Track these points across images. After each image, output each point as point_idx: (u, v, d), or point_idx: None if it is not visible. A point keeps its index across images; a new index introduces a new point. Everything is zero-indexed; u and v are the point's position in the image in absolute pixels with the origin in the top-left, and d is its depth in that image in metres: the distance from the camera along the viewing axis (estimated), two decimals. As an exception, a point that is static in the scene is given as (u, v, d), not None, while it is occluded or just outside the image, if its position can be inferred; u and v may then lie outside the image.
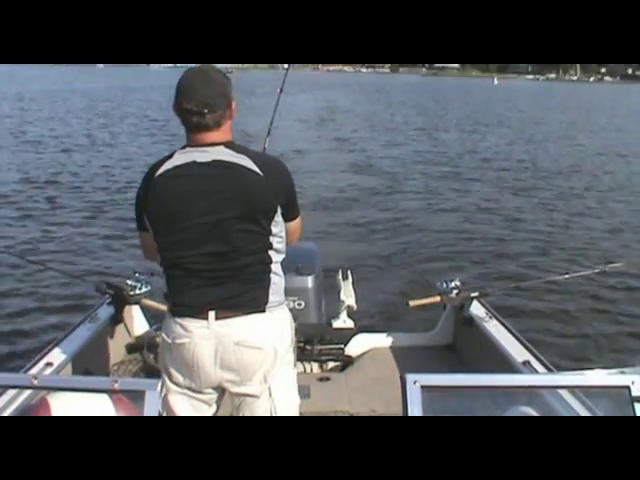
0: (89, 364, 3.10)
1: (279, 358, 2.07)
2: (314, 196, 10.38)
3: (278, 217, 2.04)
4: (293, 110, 24.56)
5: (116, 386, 1.35)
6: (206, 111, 1.93)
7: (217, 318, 1.97)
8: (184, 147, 2.02)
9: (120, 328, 3.60)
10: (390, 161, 15.52)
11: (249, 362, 2.01)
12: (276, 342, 2.06)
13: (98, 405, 1.79)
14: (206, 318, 1.97)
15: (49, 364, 2.82)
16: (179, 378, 2.05)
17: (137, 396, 1.35)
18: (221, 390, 2.10)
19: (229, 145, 2.01)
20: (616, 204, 11.32)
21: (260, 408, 2.07)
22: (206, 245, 1.97)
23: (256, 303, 2.02)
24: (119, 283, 3.54)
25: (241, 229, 1.97)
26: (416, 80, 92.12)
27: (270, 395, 2.06)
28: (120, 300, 3.48)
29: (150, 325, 3.79)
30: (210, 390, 2.08)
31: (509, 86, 77.41)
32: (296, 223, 2.18)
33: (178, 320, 2.01)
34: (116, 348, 3.53)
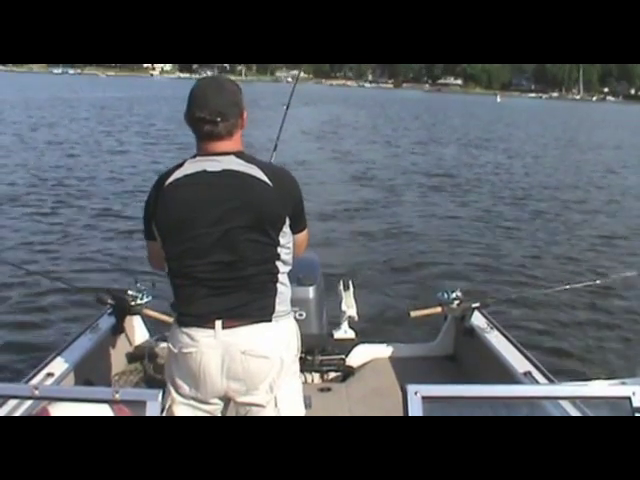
0: (90, 374, 3.10)
1: (285, 367, 2.07)
2: (315, 206, 10.39)
3: (286, 228, 2.05)
4: (295, 122, 24.85)
5: (117, 396, 1.35)
6: (219, 120, 1.94)
7: (224, 327, 1.97)
8: (194, 156, 2.03)
9: (121, 338, 3.60)
10: (391, 173, 15.55)
11: (255, 371, 2.01)
12: (282, 352, 2.06)
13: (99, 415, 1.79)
14: (213, 327, 1.97)
15: (50, 374, 2.81)
16: (185, 388, 2.05)
17: (138, 406, 1.35)
18: (226, 400, 2.10)
19: (240, 155, 2.01)
20: (615, 217, 11.37)
21: None
22: (214, 254, 1.96)
23: (263, 313, 2.02)
24: (120, 293, 3.53)
25: (249, 239, 1.97)
26: (419, 95, 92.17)
27: (276, 405, 2.06)
28: (121, 310, 3.48)
29: (151, 335, 3.79)
30: (216, 400, 2.07)
31: (511, 103, 77.49)
32: (303, 235, 2.18)
33: (185, 330, 2.01)
34: (117, 358, 3.53)
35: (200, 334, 1.98)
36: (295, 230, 2.10)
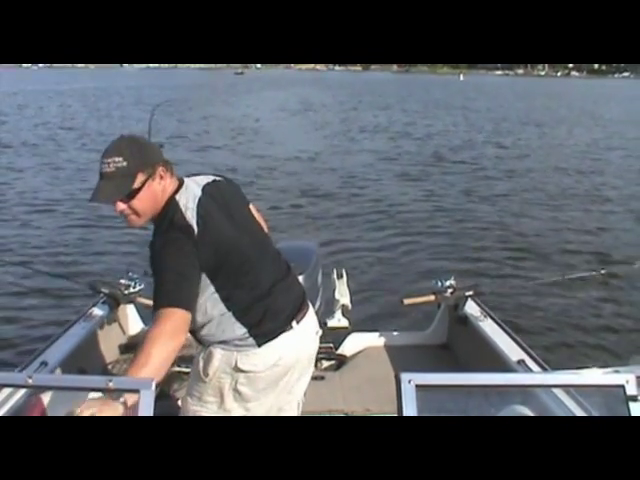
0: (84, 363, 3.09)
1: None
2: (311, 207, 10.37)
3: None
4: (271, 104, 25.69)
5: (110, 385, 1.34)
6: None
7: (297, 322, 2.10)
8: (179, 186, 2.00)
9: (115, 327, 3.59)
10: (380, 161, 15.51)
11: (317, 345, 2.26)
12: None
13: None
14: (292, 327, 2.08)
15: (44, 363, 2.80)
16: (272, 395, 2.10)
17: (131, 395, 1.35)
18: None
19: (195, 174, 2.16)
20: (614, 206, 11.30)
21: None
22: (264, 263, 2.08)
23: (305, 294, 2.24)
24: (113, 282, 3.53)
25: (265, 235, 2.19)
26: (387, 77, 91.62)
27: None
28: (114, 299, 3.47)
29: (145, 323, 3.78)
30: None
31: (475, 82, 77.89)
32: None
33: (266, 345, 2.02)
34: (111, 347, 3.52)
35: (286, 338, 2.06)
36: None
